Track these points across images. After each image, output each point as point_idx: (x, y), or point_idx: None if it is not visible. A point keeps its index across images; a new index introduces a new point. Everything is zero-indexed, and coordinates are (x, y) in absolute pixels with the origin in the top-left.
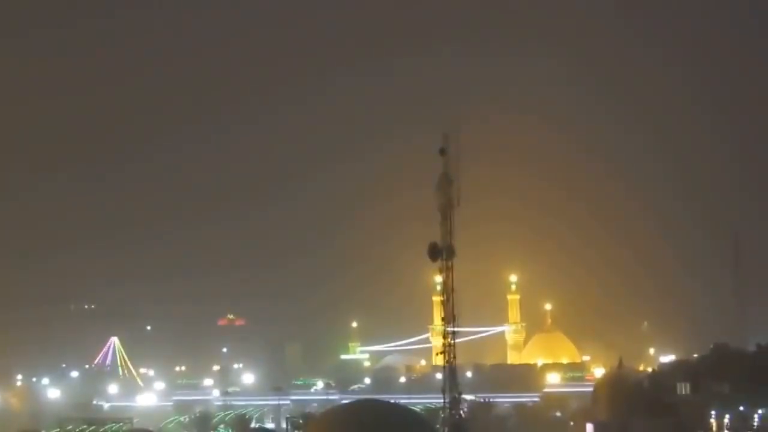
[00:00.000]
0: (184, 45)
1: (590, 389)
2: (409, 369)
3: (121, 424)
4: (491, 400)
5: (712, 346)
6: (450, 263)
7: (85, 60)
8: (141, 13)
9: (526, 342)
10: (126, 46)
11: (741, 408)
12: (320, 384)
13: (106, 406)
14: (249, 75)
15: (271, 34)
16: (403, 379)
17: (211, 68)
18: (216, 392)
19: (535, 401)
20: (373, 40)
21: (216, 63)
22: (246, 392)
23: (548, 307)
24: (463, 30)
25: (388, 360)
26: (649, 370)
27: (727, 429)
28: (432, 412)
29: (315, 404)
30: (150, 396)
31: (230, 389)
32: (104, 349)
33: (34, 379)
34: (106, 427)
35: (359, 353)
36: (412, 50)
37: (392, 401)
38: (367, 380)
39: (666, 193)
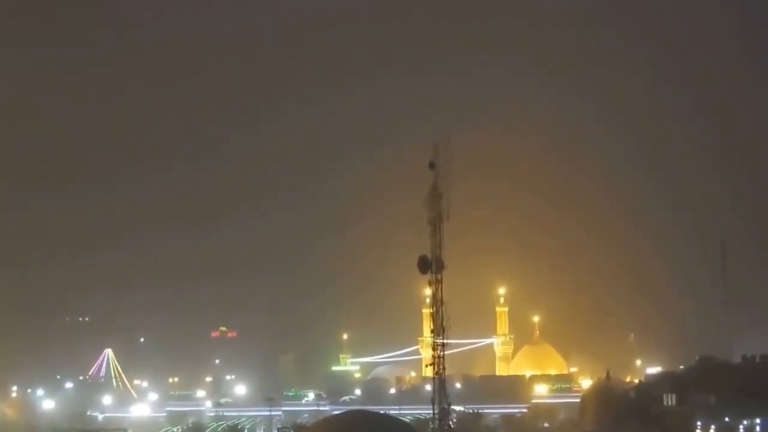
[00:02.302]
0: (176, 59)
1: (578, 400)
2: (399, 380)
3: None
4: (480, 410)
5: (698, 358)
6: (439, 276)
7: (79, 73)
8: (139, 28)
9: (514, 354)
10: (119, 62)
11: (726, 419)
12: (311, 395)
13: (100, 417)
14: (239, 91)
15: (261, 50)
16: (393, 391)
17: (204, 83)
18: (208, 403)
19: (523, 412)
20: (365, 52)
21: (209, 78)
22: (238, 403)
23: (536, 319)
24: (454, 42)
25: (378, 371)
26: (636, 381)
27: None
28: (422, 422)
29: (306, 415)
30: (143, 407)
31: (222, 400)
32: (98, 361)
33: (29, 391)
34: None
35: (350, 365)
36: (403, 62)
37: (382, 412)
38: (358, 391)
39: (653, 206)
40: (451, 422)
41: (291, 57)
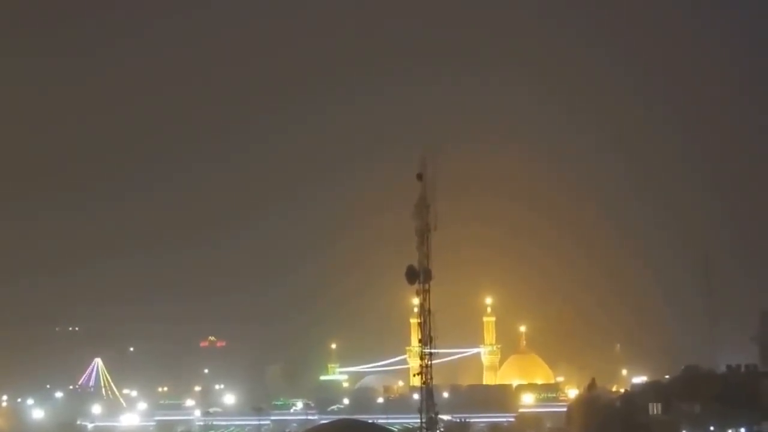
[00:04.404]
0: (168, 72)
1: (564, 409)
2: (387, 389)
3: None
4: (467, 419)
5: (683, 368)
6: (427, 286)
7: (76, 84)
8: (134, 39)
9: (501, 363)
10: (117, 74)
11: (711, 428)
12: (300, 404)
13: (89, 426)
14: (231, 104)
15: (249, 63)
16: (381, 400)
17: (194, 98)
18: (197, 412)
19: (510, 421)
20: (353, 64)
21: (200, 93)
22: (227, 412)
23: (523, 329)
24: (443, 54)
25: (366, 381)
26: (622, 390)
27: None
28: (409, 431)
29: (295, 424)
30: (133, 416)
31: (211, 409)
32: (88, 370)
33: (19, 400)
34: None
35: (338, 374)
36: (392, 74)
37: (370, 421)
38: (346, 401)
39: (640, 218)
40: (438, 431)
41: (280, 70)
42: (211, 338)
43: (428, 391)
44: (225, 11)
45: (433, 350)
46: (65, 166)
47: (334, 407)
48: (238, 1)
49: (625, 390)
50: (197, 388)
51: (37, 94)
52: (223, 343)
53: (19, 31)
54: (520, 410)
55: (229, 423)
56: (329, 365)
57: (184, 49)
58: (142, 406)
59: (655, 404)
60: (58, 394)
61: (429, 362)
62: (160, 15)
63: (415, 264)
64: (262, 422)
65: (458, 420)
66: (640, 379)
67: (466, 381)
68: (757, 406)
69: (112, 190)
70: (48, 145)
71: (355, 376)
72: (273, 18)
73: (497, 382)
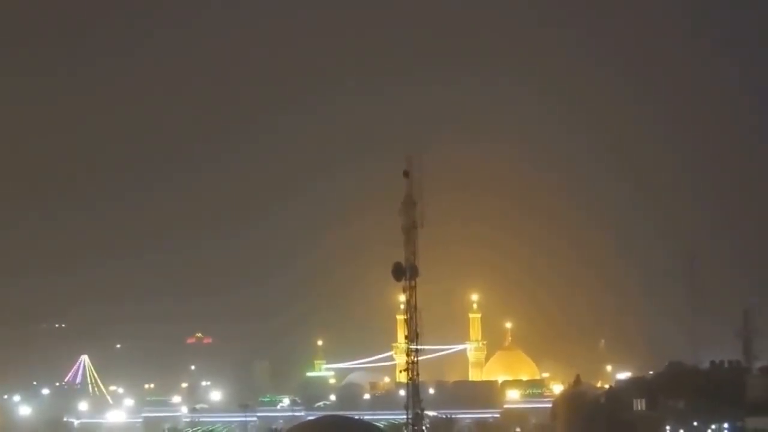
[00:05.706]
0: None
1: (549, 405)
2: (373, 386)
3: None
4: (453, 416)
5: (667, 364)
6: (413, 282)
7: (77, 83)
8: (140, 42)
9: (487, 359)
10: (114, 76)
11: (695, 423)
12: (286, 401)
13: (76, 423)
14: (231, 104)
15: (249, 63)
16: (367, 396)
17: (196, 96)
18: (184, 409)
19: (495, 417)
20: (341, 64)
21: (201, 90)
22: (214, 409)
23: (508, 325)
24: (431, 54)
25: (352, 377)
26: (606, 386)
27: None
28: (395, 427)
29: (281, 421)
30: (119, 413)
31: (198, 406)
32: (74, 367)
33: (5, 397)
34: None
35: (324, 371)
36: (379, 73)
37: (357, 417)
38: (333, 397)
39: (625, 215)
40: (424, 427)
41: (280, 70)
42: (198, 335)
43: (414, 388)
44: (225, 11)
45: (419, 347)
46: (65, 166)
47: (320, 403)
48: (238, 2)
49: (610, 386)
50: (184, 385)
51: (38, 94)
52: (210, 340)
53: (18, 31)
54: (506, 406)
55: (215, 419)
56: (316, 362)
57: (184, 49)
58: (129, 402)
59: (639, 400)
60: (45, 391)
61: (415, 358)
62: (160, 15)
63: (402, 261)
64: (248, 419)
65: (444, 416)
66: (624, 375)
67: (452, 377)
68: (741, 402)
69: (98, 193)
70: (48, 146)
71: (342, 373)
72: (273, 18)
73: (483, 378)
